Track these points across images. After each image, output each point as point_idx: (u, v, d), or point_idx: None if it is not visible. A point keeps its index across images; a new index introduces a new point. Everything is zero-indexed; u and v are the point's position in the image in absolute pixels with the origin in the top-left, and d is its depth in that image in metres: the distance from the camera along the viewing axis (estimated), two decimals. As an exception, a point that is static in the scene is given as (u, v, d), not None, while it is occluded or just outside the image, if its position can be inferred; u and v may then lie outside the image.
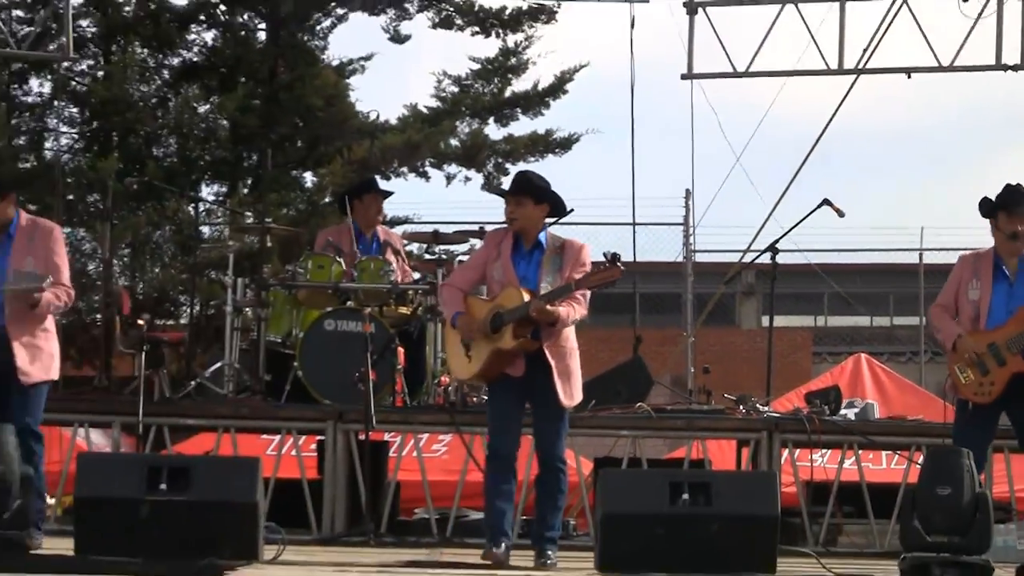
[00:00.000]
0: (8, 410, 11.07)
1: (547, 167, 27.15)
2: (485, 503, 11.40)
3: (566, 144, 27.80)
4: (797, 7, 18.13)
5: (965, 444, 11.07)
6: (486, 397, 12.01)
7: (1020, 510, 13.29)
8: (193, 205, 27.04)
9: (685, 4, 18.36)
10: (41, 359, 11.16)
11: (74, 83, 28.09)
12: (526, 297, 10.70)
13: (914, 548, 10.47)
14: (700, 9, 18.32)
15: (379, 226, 15.42)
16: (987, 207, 11.20)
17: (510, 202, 11.08)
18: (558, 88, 27.97)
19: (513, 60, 28.11)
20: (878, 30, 18.05)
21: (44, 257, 11.15)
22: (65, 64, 25.44)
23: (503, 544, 10.90)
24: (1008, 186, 11.33)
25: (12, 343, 10.99)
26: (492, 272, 11.04)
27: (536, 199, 11.06)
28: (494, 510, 11.09)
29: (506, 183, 11.80)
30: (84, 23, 26.22)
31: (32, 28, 23.78)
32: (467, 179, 27.37)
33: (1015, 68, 17.89)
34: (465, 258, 13.70)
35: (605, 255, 10.93)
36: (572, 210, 12.56)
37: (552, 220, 11.44)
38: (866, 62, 18.19)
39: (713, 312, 22.79)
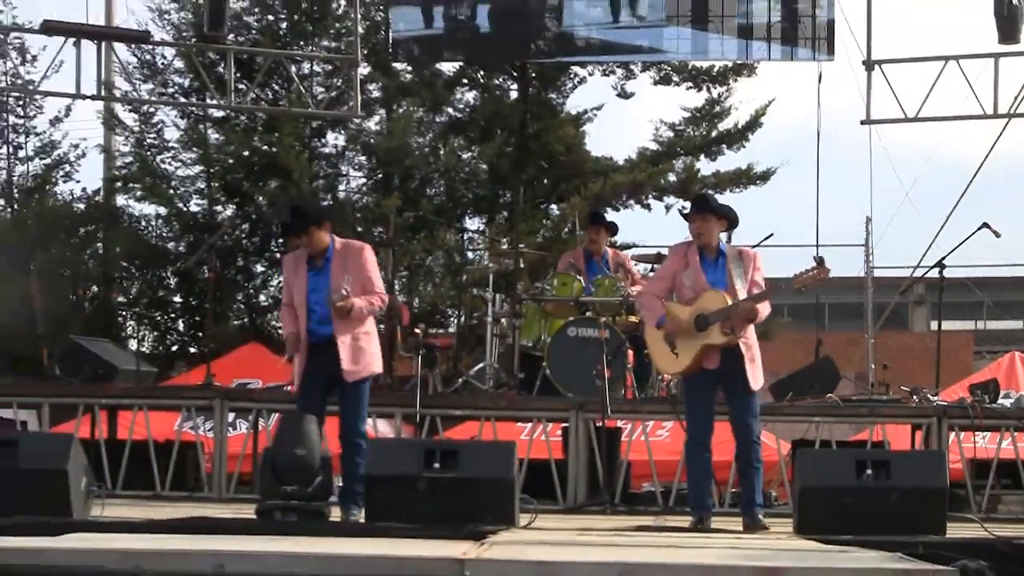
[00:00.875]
0: (335, 404, 11.32)
1: (747, 196, 27.04)
2: (688, 481, 11.51)
3: (764, 177, 27.67)
4: (958, 62, 17.94)
5: None
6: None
7: None
8: (459, 234, 27.46)
9: (864, 62, 18.22)
10: (363, 358, 11.21)
11: (363, 136, 28.45)
12: (728, 300, 10.72)
13: (1062, 514, 10.40)
14: (876, 66, 18.19)
15: (611, 249, 15.50)
16: None
17: (696, 219, 10.99)
18: (754, 123, 27.84)
19: (717, 108, 28.06)
20: (1029, 81, 17.86)
21: (358, 273, 11.20)
22: (355, 121, 25.82)
23: (705, 514, 10.96)
24: None
25: (339, 347, 11.08)
26: (683, 279, 10.95)
27: (717, 215, 11.08)
28: (696, 486, 11.18)
29: (688, 206, 11.72)
30: (371, 87, 26.52)
31: (329, 92, 24.11)
32: (685, 207, 27.29)
33: None
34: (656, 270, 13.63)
35: (814, 258, 11.00)
36: (772, 234, 12.65)
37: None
38: (1017, 107, 17.95)
39: (889, 318, 22.71)
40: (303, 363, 11.25)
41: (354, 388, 11.27)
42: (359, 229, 27.13)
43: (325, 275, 11.16)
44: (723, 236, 11.33)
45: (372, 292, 11.27)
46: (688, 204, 11.87)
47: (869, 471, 10.35)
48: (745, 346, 10.85)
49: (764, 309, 10.97)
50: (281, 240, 28.69)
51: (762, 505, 11.07)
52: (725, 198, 18.68)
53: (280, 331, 28.21)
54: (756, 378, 11.00)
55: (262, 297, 29.80)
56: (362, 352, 11.23)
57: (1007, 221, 16.99)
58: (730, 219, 11.23)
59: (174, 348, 29.26)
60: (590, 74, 27.72)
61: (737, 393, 10.98)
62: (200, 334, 28.07)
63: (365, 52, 22.78)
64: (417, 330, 16.69)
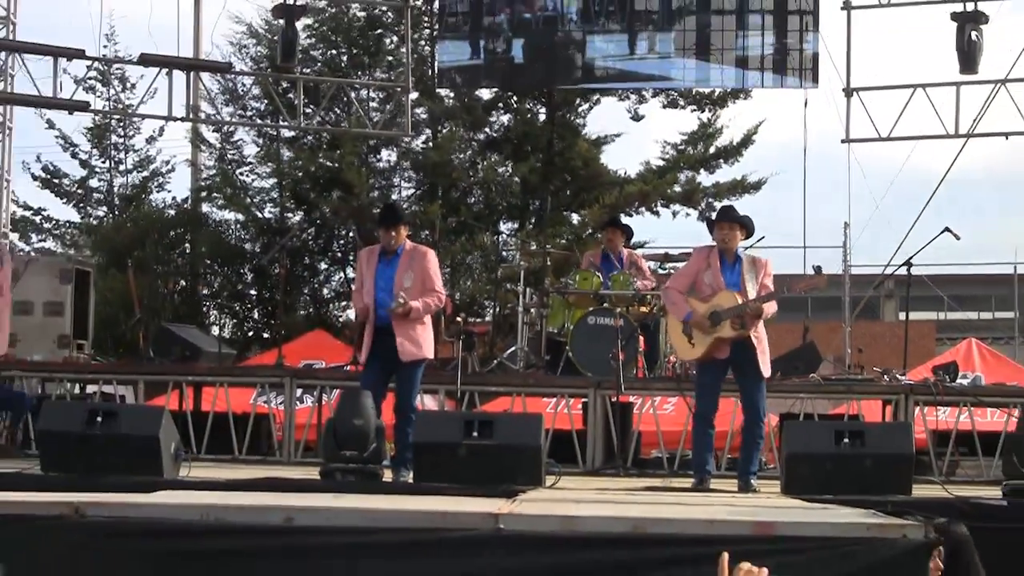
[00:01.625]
0: (387, 385, 11.38)
1: (742, 203, 27.02)
2: (693, 450, 11.51)
3: (757, 186, 27.49)
4: (925, 90, 17.89)
5: None
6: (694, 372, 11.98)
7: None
8: (494, 237, 27.44)
9: (844, 89, 18.17)
10: (416, 343, 11.24)
11: (412, 153, 28.50)
12: (739, 299, 10.81)
13: (1014, 477, 10.35)
14: (855, 92, 18.15)
15: (626, 250, 15.51)
16: None
17: (724, 228, 11.03)
18: (747, 140, 27.74)
19: (711, 129, 28.06)
20: (984, 105, 17.78)
21: (420, 273, 11.30)
22: (406, 140, 25.84)
23: (706, 477, 11.00)
24: None
25: (396, 333, 11.14)
26: (703, 279, 11.01)
27: (740, 225, 11.15)
28: (699, 455, 11.21)
29: (715, 215, 11.75)
30: (419, 111, 26.52)
31: (383, 115, 24.13)
32: (687, 215, 27.31)
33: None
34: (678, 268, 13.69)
35: (814, 267, 11.08)
36: (764, 236, 12.64)
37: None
38: (975, 128, 17.90)
39: (863, 310, 22.68)
40: (369, 344, 11.32)
41: (408, 369, 11.32)
42: (408, 233, 27.19)
43: (392, 268, 11.28)
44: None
45: (431, 291, 11.35)
46: (715, 213, 11.90)
47: (846, 440, 10.34)
48: (756, 338, 10.93)
49: (771, 308, 11.11)
50: (343, 242, 28.85)
51: (755, 472, 11.09)
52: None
53: (340, 320, 28.61)
54: (766, 365, 11.11)
55: (325, 291, 29.89)
56: (416, 340, 11.27)
57: (966, 226, 16.96)
58: (748, 229, 11.28)
59: (250, 333, 29.34)
60: (603, 96, 27.58)
61: (748, 377, 11.06)
62: (272, 322, 28.19)
63: (413, 80, 22.79)
64: (458, 319, 16.64)
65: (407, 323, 11.20)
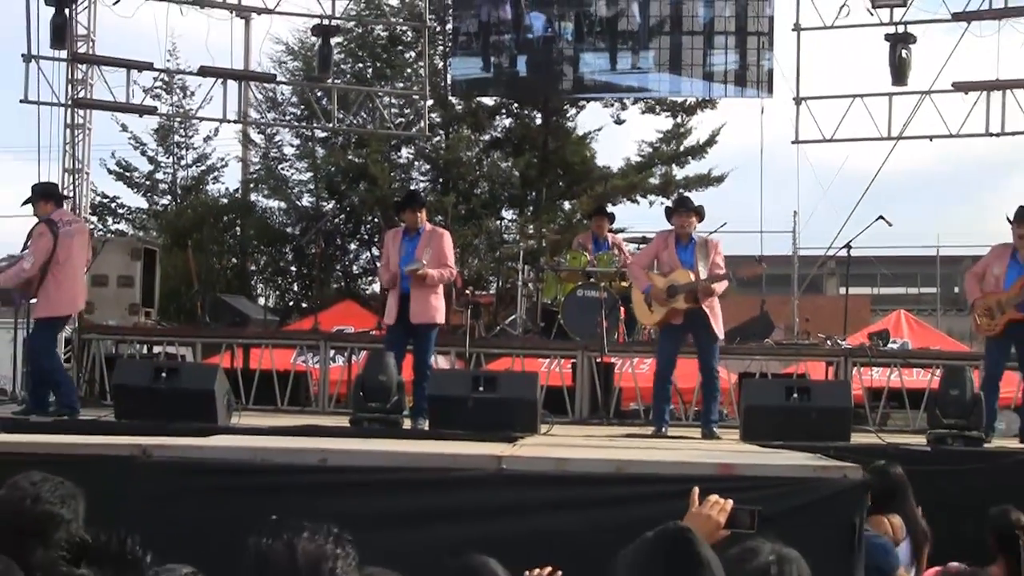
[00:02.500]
0: (407, 347, 11.41)
1: (707, 194, 27.11)
2: (652, 404, 11.59)
3: (720, 179, 27.66)
4: (862, 99, 17.86)
5: (988, 362, 11.02)
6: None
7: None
8: (498, 223, 27.45)
9: (794, 99, 18.12)
10: (427, 309, 11.27)
11: (427, 151, 28.50)
12: (692, 277, 10.79)
13: (936, 427, 10.35)
14: (803, 101, 18.10)
15: (610, 234, 15.48)
16: (1011, 218, 10.98)
17: (681, 215, 11.05)
18: (712, 141, 27.82)
19: (682, 131, 28.13)
20: (912, 112, 17.74)
21: (437, 250, 11.35)
22: (422, 139, 25.85)
23: (663, 426, 10.99)
24: (1020, 206, 11.13)
25: (412, 299, 11.20)
26: (662, 257, 11.05)
27: (696, 214, 11.14)
28: (659, 409, 11.21)
29: (673, 205, 11.77)
30: (434, 115, 26.46)
31: (403, 118, 24.12)
32: (662, 203, 27.21)
33: (998, 135, 17.52)
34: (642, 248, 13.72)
35: (756, 259, 11.09)
36: (725, 223, 12.66)
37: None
38: (904, 131, 17.87)
39: (809, 285, 22.69)
40: (394, 310, 11.36)
41: (424, 332, 11.32)
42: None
43: (414, 244, 11.34)
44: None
45: (444, 266, 11.40)
46: (672, 203, 11.89)
47: (795, 395, 10.40)
48: (709, 308, 10.89)
49: (720, 286, 11.05)
50: (369, 226, 28.83)
51: (716, 422, 11.07)
52: (692, 195, 18.73)
53: (366, 292, 28.63)
54: (719, 330, 11.08)
55: (354, 267, 29.92)
56: (431, 306, 11.29)
57: (897, 214, 16.97)
58: (701, 215, 11.28)
59: (291, 303, 29.41)
60: (590, 102, 27.57)
61: (702, 342, 11.07)
62: (309, 293, 28.24)
63: (429, 89, 22.76)
64: (467, 292, 16.65)
65: (424, 291, 11.23)
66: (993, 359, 11.01)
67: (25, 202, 11.11)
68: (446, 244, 11.57)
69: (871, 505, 7.03)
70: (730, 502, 3.81)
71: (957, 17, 17.61)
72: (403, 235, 11.56)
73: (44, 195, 11.16)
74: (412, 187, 27.90)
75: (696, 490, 3.89)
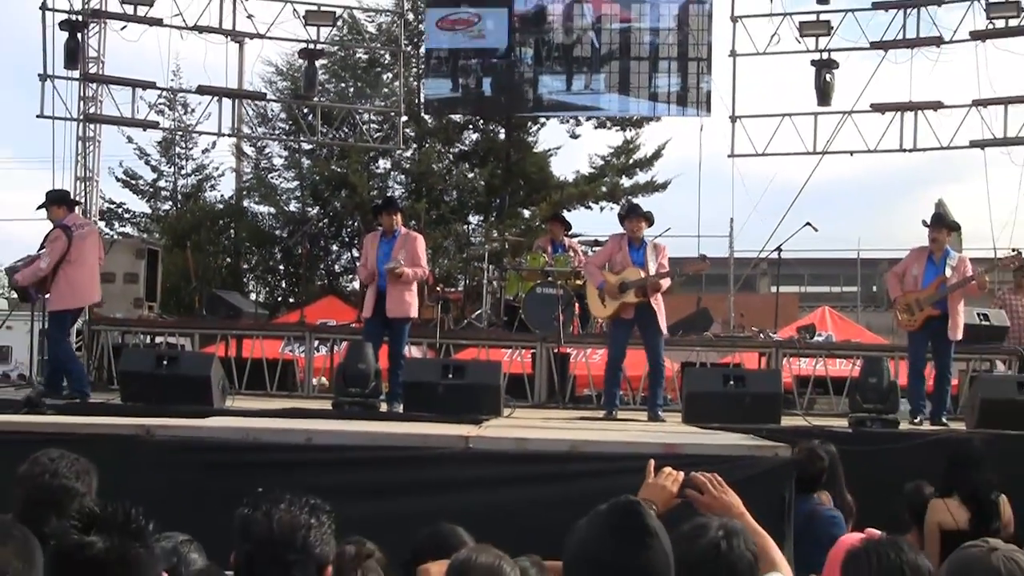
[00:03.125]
0: (383, 338, 11.33)
1: (652, 200, 27.29)
2: (604, 389, 11.57)
3: (663, 187, 27.86)
4: (791, 118, 17.94)
5: (912, 354, 11.06)
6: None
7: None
8: (465, 226, 27.43)
9: (730, 117, 18.19)
10: (402, 305, 11.20)
11: (402, 162, 28.48)
12: (642, 274, 10.77)
13: (856, 411, 10.40)
14: (738, 119, 18.17)
15: (566, 238, 15.44)
16: (927, 222, 11.03)
17: (633, 220, 11.04)
18: (657, 154, 28.00)
19: (630, 145, 28.24)
20: (835, 130, 17.84)
21: (411, 252, 11.27)
22: (397, 152, 25.80)
23: (613, 410, 10.97)
24: (934, 213, 11.21)
25: (388, 294, 11.14)
26: (616, 258, 11.00)
27: (646, 220, 11.13)
28: (610, 393, 11.22)
29: (626, 211, 11.70)
30: (407, 130, 26.41)
31: (380, 133, 24.05)
32: (612, 208, 27.41)
33: (911, 150, 17.65)
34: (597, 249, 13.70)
35: (700, 255, 11.10)
36: (669, 228, 12.67)
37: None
38: (828, 147, 17.95)
39: (744, 284, 22.75)
40: (371, 304, 11.32)
41: (398, 325, 11.29)
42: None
43: (390, 246, 11.28)
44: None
45: (418, 265, 11.35)
46: (625, 210, 11.89)
47: (731, 382, 10.44)
48: (655, 304, 10.87)
49: (666, 283, 11.08)
50: (349, 229, 28.77)
51: (661, 406, 11.06)
52: (638, 201, 18.73)
53: (347, 289, 28.56)
54: (664, 324, 11.08)
55: (336, 267, 29.91)
56: (404, 302, 11.23)
57: (822, 220, 17.08)
58: (650, 220, 11.23)
59: (279, 298, 29.34)
60: (548, 120, 27.60)
61: (649, 334, 11.00)
62: (296, 290, 28.16)
63: (404, 107, 22.72)
64: (438, 289, 16.62)
65: (399, 288, 11.17)
66: (916, 353, 11.04)
67: (40, 207, 11.07)
68: (419, 246, 11.49)
69: (807, 482, 7.07)
70: (682, 473, 3.82)
71: (875, 46, 17.74)
72: (380, 237, 11.50)
73: (57, 201, 11.13)
74: (389, 194, 27.96)
75: (652, 462, 3.89)
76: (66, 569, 2.71)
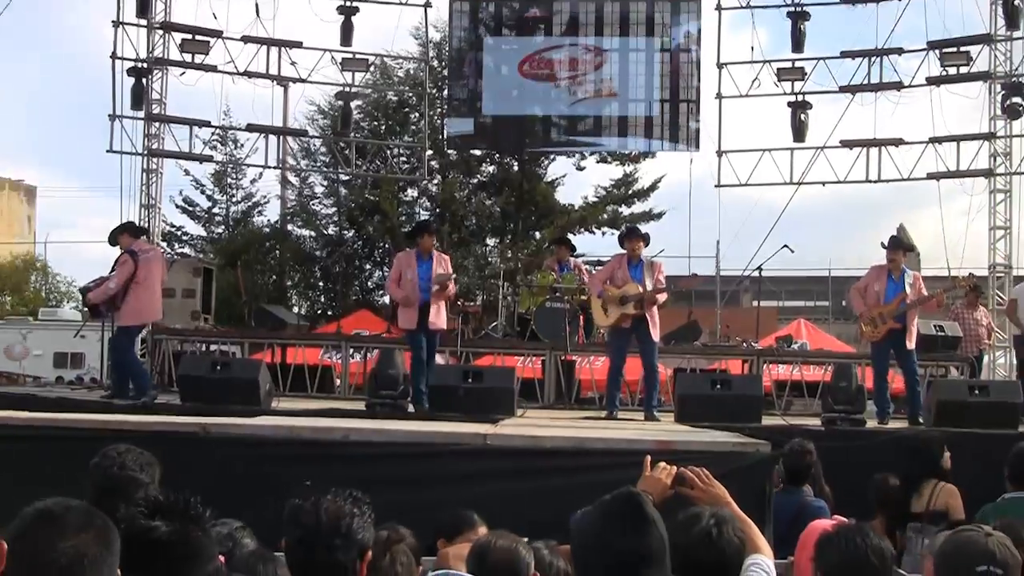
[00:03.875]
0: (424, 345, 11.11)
1: (650, 226, 27.20)
2: (606, 392, 11.44)
3: (659, 216, 27.90)
4: (770, 153, 18.01)
5: (876, 362, 11.01)
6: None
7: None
8: (483, 248, 27.43)
9: (716, 152, 18.24)
10: (440, 318, 11.08)
11: (428, 191, 28.53)
12: (640, 289, 10.72)
13: (828, 412, 10.38)
14: (724, 154, 18.20)
15: (572, 258, 15.41)
16: (885, 244, 11.00)
17: (632, 241, 10.98)
18: (654, 187, 28.06)
19: (629, 177, 28.22)
20: (809, 163, 17.86)
21: (447, 271, 11.08)
22: (423, 182, 25.86)
23: (614, 411, 10.90)
24: (892, 236, 11.18)
25: (431, 310, 10.95)
26: (617, 275, 10.89)
27: (643, 240, 11.10)
28: (611, 395, 11.12)
29: (626, 232, 11.61)
30: (432, 163, 26.48)
31: (408, 165, 24.14)
32: (612, 234, 27.37)
33: (876, 181, 17.67)
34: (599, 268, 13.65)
35: (692, 274, 11.06)
36: (663, 249, 12.67)
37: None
38: (803, 178, 17.96)
39: (729, 299, 22.71)
40: (415, 318, 10.99)
41: (435, 334, 11.18)
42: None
43: (428, 266, 11.00)
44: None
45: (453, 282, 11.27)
46: (625, 232, 11.81)
47: (718, 386, 10.45)
48: (650, 316, 10.80)
49: (662, 297, 11.00)
50: (380, 250, 28.80)
51: (656, 407, 10.99)
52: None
53: (378, 303, 28.58)
54: (657, 334, 10.97)
55: (369, 283, 29.94)
56: (442, 315, 11.15)
57: (798, 242, 17.04)
58: (647, 241, 11.17)
59: (319, 312, 29.33)
60: (557, 155, 27.64)
61: (645, 343, 10.90)
62: (333, 304, 28.15)
63: (429, 143, 22.83)
64: (459, 303, 16.61)
65: (439, 303, 11.07)
66: (879, 362, 10.99)
67: (110, 239, 11.16)
68: (447, 264, 11.33)
69: (797, 475, 7.06)
70: (675, 468, 3.83)
71: (843, 89, 17.79)
72: (416, 257, 11.16)
73: (125, 231, 11.23)
74: (416, 220, 28.02)
75: (648, 458, 3.89)
76: (134, 551, 2.72)
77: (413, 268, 11.04)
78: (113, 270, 10.96)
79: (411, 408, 10.60)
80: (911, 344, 10.71)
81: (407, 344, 11.42)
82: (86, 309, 12.12)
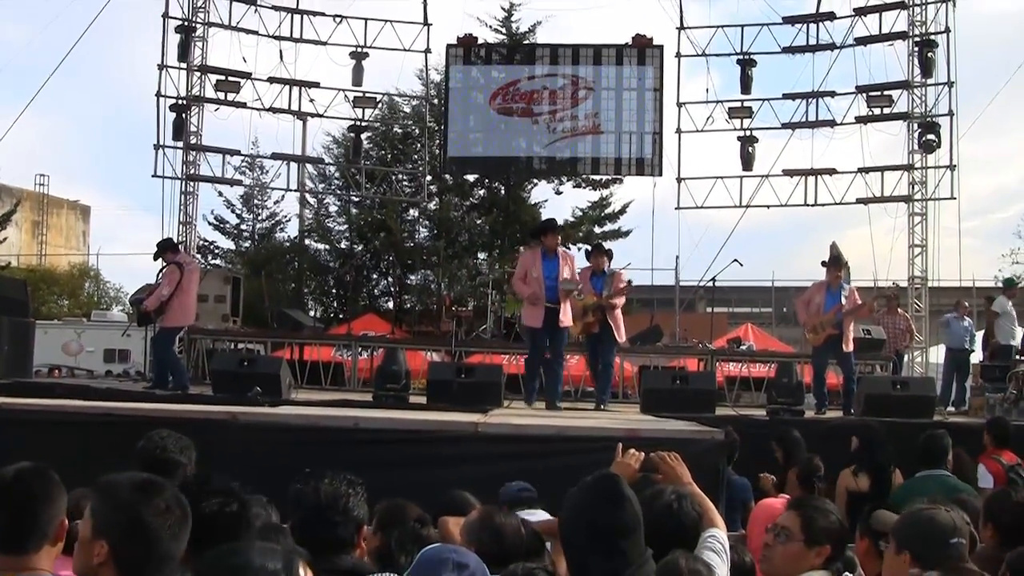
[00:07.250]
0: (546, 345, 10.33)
1: (618, 243, 27.25)
2: (596, 387, 11.14)
3: (627, 234, 27.79)
4: (723, 180, 18.06)
5: (816, 362, 10.97)
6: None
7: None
8: (475, 261, 27.37)
9: (676, 178, 18.29)
10: (568, 314, 10.17)
11: (428, 211, 28.45)
12: (596, 297, 10.41)
13: (772, 404, 10.41)
14: (682, 180, 18.24)
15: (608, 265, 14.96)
16: (825, 263, 11.04)
17: (597, 256, 10.79)
18: (623, 210, 27.88)
19: (602, 200, 28.18)
20: (756, 189, 17.91)
21: (573, 269, 10.28)
22: (423, 203, 25.79)
23: (605, 404, 10.63)
24: (831, 256, 11.21)
25: (560, 309, 10.07)
26: (585, 285, 10.51)
27: (606, 255, 10.95)
28: (600, 390, 10.86)
29: (591, 249, 11.35)
30: (432, 187, 26.45)
31: (410, 188, 24.11)
32: (587, 251, 27.22)
33: (812, 205, 17.80)
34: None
35: (629, 281, 10.80)
36: (630, 263, 12.66)
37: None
38: (751, 201, 18.01)
39: (687, 306, 22.67)
40: (541, 317, 10.15)
41: (563, 332, 10.37)
42: (424, 257, 27.48)
43: (555, 264, 10.19)
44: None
45: (577, 280, 10.42)
46: (591, 248, 11.61)
47: (678, 381, 10.43)
48: (613, 320, 10.53)
49: (620, 301, 10.60)
50: (385, 262, 28.71)
51: (606, 399, 10.68)
52: (605, 242, 18.72)
53: (383, 307, 28.52)
54: (619, 337, 10.66)
55: (376, 291, 29.85)
56: (567, 312, 10.25)
57: (747, 256, 17.08)
58: (610, 256, 11.14)
59: (332, 315, 29.21)
60: (539, 180, 27.57)
61: (605, 344, 10.62)
62: (344, 308, 28.06)
63: (429, 169, 22.84)
64: (453, 308, 16.59)
65: (565, 304, 10.18)
66: (819, 362, 11.01)
67: (155, 255, 11.12)
68: (574, 262, 10.42)
69: (786, 456, 7.12)
70: (642, 453, 3.85)
71: (785, 126, 17.91)
72: (543, 255, 10.26)
73: (167, 248, 11.24)
74: (416, 238, 27.97)
75: (620, 445, 3.91)
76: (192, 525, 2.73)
77: (538, 266, 10.20)
78: (158, 279, 10.99)
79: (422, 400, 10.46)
80: (848, 347, 10.75)
81: (527, 341, 10.69)
82: (137, 316, 12.04)
